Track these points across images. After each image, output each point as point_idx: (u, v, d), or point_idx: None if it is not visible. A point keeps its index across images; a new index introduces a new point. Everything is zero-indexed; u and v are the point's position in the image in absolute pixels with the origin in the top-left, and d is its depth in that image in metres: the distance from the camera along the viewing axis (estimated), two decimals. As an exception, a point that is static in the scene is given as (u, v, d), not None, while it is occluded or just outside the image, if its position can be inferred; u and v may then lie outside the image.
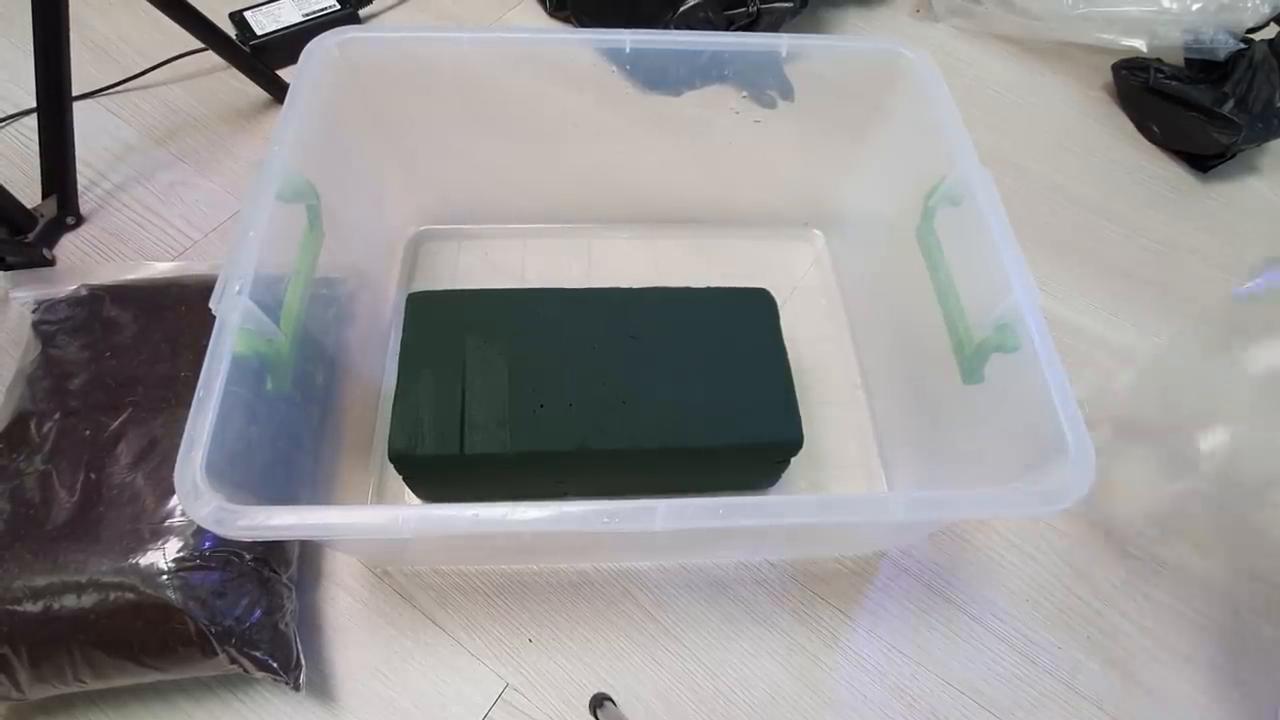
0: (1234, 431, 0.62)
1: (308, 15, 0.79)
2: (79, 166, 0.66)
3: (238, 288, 0.38)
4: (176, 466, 0.33)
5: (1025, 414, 0.40)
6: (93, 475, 0.44)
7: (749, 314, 0.53)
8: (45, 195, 0.64)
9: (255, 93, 0.75)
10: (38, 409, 0.47)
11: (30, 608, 0.41)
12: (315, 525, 0.35)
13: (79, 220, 0.66)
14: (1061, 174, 0.77)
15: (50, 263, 0.62)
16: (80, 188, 0.67)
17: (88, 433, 0.46)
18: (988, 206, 0.44)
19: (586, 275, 0.65)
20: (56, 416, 0.47)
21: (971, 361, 0.44)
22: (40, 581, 0.42)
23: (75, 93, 0.64)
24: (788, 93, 0.57)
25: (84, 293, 0.54)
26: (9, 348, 0.57)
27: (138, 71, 0.75)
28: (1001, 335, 0.42)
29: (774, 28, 0.80)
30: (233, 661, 0.43)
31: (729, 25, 0.79)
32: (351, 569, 0.52)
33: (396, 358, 0.50)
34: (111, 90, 0.75)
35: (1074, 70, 0.86)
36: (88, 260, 0.64)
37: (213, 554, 0.43)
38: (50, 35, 0.59)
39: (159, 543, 0.43)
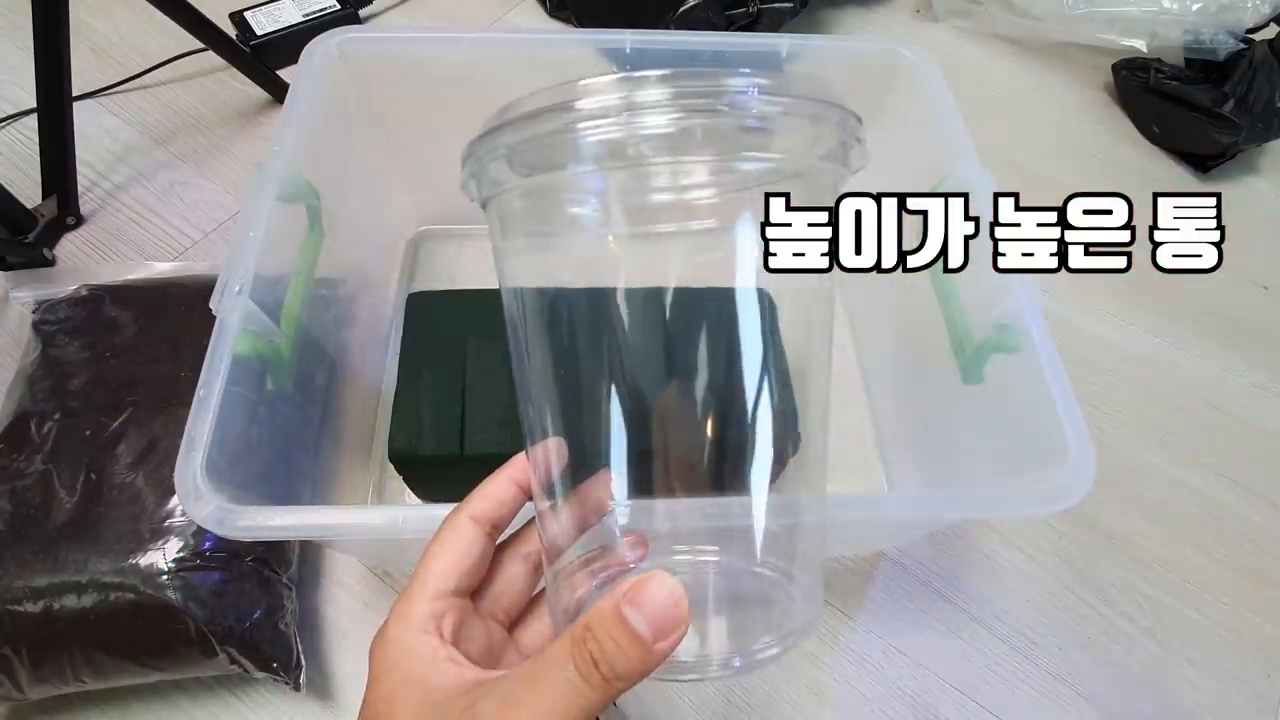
0: (1234, 431, 0.62)
1: (308, 15, 0.79)
2: (79, 166, 0.66)
3: (238, 288, 0.38)
4: (176, 467, 0.33)
5: (1025, 414, 0.40)
6: (93, 475, 0.44)
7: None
8: (45, 195, 0.64)
9: (255, 93, 0.75)
10: (38, 409, 0.47)
11: (30, 608, 0.41)
12: (315, 525, 0.35)
13: (79, 220, 0.66)
14: (1061, 174, 0.77)
15: (50, 263, 0.63)
16: (80, 188, 0.67)
17: (88, 433, 0.46)
18: (988, 206, 0.44)
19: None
20: (56, 417, 0.47)
21: (971, 361, 0.44)
22: (40, 581, 0.42)
23: (75, 93, 0.64)
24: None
25: (84, 293, 0.54)
26: (9, 348, 0.57)
27: (138, 71, 0.75)
28: (1001, 335, 0.42)
29: (774, 28, 0.80)
30: (233, 662, 0.43)
31: (729, 25, 0.79)
32: (351, 569, 0.52)
33: (396, 358, 0.50)
34: (111, 90, 0.75)
35: (1074, 70, 0.86)
36: (88, 260, 0.64)
37: (213, 554, 0.43)
38: (50, 35, 0.59)
39: (159, 543, 0.43)
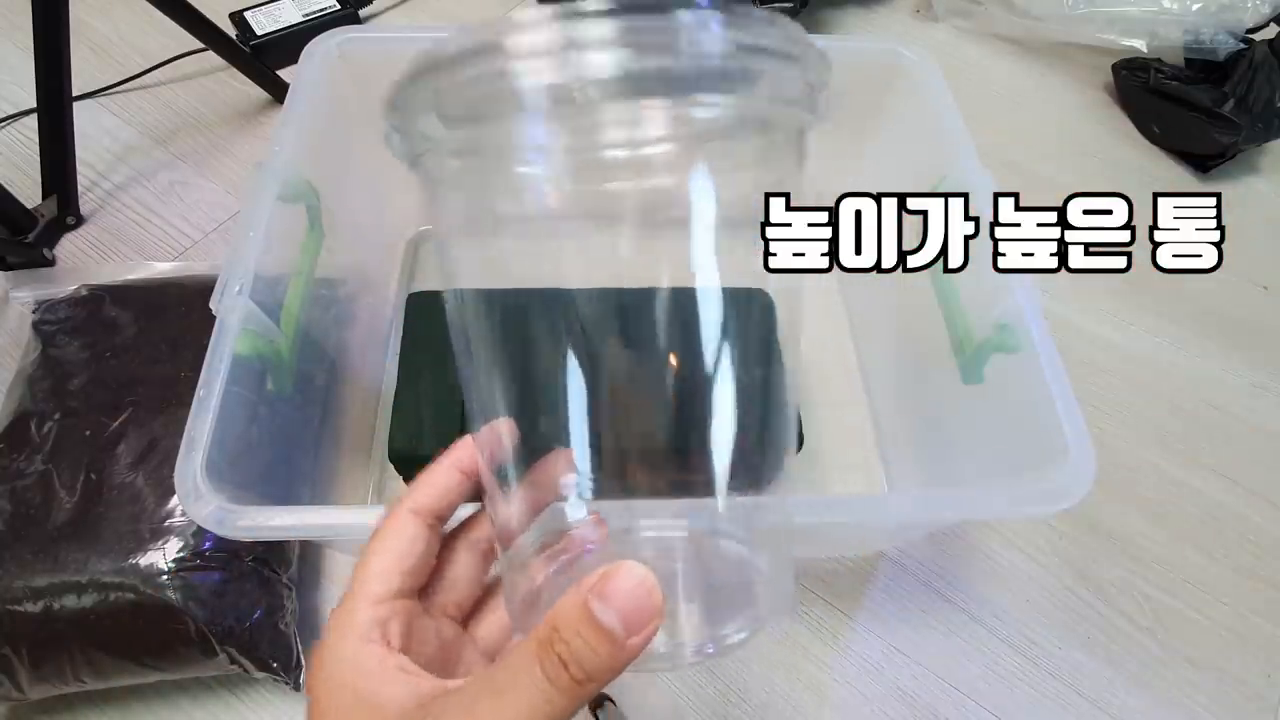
0: (1234, 431, 0.62)
1: (308, 15, 0.79)
2: (79, 166, 0.66)
3: (238, 288, 0.38)
4: (176, 466, 0.33)
5: (1025, 414, 0.40)
6: (93, 475, 0.44)
7: (748, 314, 0.53)
8: (45, 195, 0.64)
9: (255, 93, 0.75)
10: (38, 409, 0.47)
11: (30, 608, 0.41)
12: (315, 525, 0.35)
13: (79, 220, 0.66)
14: (1061, 174, 0.77)
15: (50, 263, 0.62)
16: (80, 188, 0.67)
17: (88, 433, 0.46)
18: (987, 206, 0.44)
19: (587, 276, 0.65)
20: (56, 417, 0.47)
21: (971, 361, 0.44)
22: (40, 581, 0.42)
23: (75, 93, 0.64)
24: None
25: (84, 293, 0.54)
26: (9, 348, 0.57)
27: (138, 71, 0.75)
28: (1002, 335, 0.42)
29: (774, 28, 0.80)
30: (233, 662, 0.43)
31: (729, 25, 0.79)
32: (351, 569, 0.52)
33: (396, 358, 0.50)
34: (111, 90, 0.75)
35: (1074, 70, 0.86)
36: (88, 260, 0.64)
37: (213, 554, 0.43)
38: (50, 35, 0.59)
39: (159, 543, 0.43)
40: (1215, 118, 0.73)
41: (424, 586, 0.25)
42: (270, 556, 0.46)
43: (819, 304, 0.65)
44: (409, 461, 0.47)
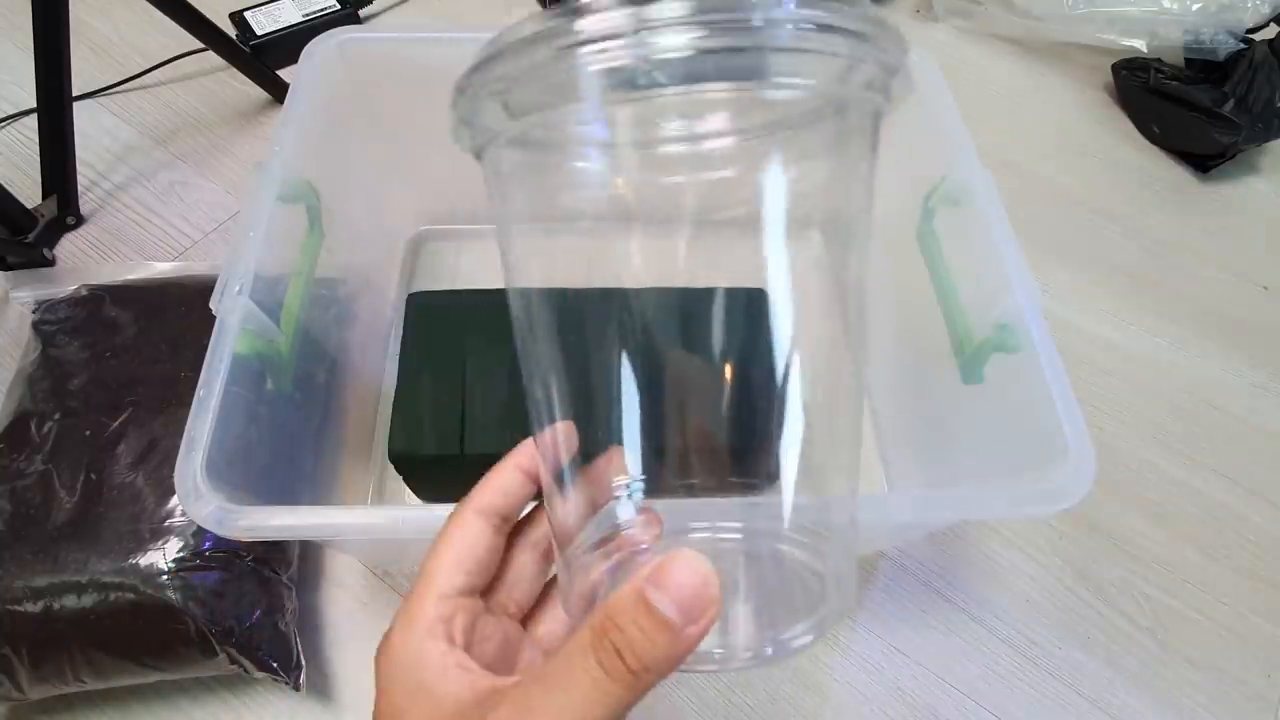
0: (1234, 431, 0.62)
1: (308, 15, 0.79)
2: (79, 166, 0.66)
3: (238, 288, 0.38)
4: (176, 466, 0.33)
5: (1025, 414, 0.40)
6: (93, 475, 0.44)
7: (746, 314, 0.53)
8: (45, 195, 0.64)
9: (255, 93, 0.75)
10: (38, 409, 0.47)
11: (30, 608, 0.41)
12: (315, 525, 0.35)
13: (79, 220, 0.66)
14: (1062, 174, 0.77)
15: (50, 263, 0.63)
16: (80, 188, 0.67)
17: (88, 433, 0.46)
18: (988, 206, 0.44)
19: (586, 276, 0.65)
20: (56, 417, 0.47)
21: (971, 361, 0.44)
22: (40, 581, 0.42)
23: (75, 93, 0.64)
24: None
25: (84, 293, 0.54)
26: (9, 348, 0.57)
27: (138, 71, 0.75)
28: (1002, 335, 0.42)
29: (774, 28, 0.80)
30: (233, 662, 0.43)
31: (729, 25, 0.79)
32: (351, 569, 0.52)
33: (396, 358, 0.50)
34: (111, 90, 0.75)
35: (1074, 70, 0.86)
36: (88, 260, 0.64)
37: (213, 554, 0.43)
38: (50, 35, 0.59)
39: (159, 543, 0.43)
40: (1215, 118, 0.73)
41: (488, 586, 0.25)
42: (270, 556, 0.46)
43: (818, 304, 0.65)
44: (409, 461, 0.47)
